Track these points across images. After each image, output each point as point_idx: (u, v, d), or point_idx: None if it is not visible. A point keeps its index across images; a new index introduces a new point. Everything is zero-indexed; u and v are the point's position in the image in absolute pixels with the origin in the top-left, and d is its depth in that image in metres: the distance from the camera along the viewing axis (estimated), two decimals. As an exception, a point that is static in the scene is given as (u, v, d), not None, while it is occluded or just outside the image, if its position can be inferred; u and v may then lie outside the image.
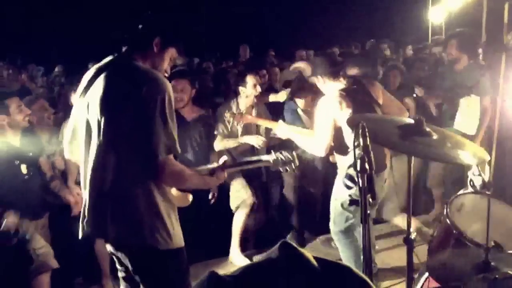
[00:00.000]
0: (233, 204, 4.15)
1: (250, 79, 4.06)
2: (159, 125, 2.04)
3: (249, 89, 4.04)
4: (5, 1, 11.29)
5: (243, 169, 3.37)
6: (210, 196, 4.05)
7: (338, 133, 3.06)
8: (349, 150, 3.02)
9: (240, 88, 4.08)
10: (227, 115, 3.96)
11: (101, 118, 2.09)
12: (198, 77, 5.00)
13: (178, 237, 2.23)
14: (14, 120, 3.31)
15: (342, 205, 3.18)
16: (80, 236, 2.26)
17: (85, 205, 2.21)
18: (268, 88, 5.31)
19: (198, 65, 7.70)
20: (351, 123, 2.26)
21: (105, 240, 2.29)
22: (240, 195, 4.11)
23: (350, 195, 2.92)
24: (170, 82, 2.20)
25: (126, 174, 2.09)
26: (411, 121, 2.26)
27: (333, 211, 3.29)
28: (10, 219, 3.07)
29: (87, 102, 2.17)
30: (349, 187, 2.90)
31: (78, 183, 3.68)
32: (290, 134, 3.32)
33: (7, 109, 3.28)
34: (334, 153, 3.26)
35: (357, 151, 1.71)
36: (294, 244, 1.03)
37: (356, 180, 1.70)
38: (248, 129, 4.17)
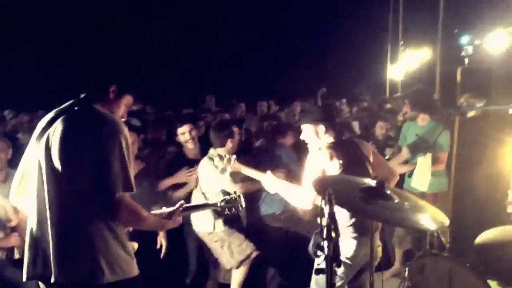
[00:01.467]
0: (235, 260, 3.90)
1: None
2: (117, 164, 2.13)
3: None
4: None
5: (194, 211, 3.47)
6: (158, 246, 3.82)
7: None
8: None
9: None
10: (216, 160, 3.70)
11: (60, 157, 2.13)
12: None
13: (132, 266, 2.29)
14: None
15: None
16: (24, 279, 2.23)
17: (31, 247, 2.21)
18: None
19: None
20: (317, 187, 2.28)
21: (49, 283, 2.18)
22: (245, 250, 3.89)
23: (317, 264, 2.83)
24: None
25: (83, 213, 2.13)
26: (373, 183, 2.31)
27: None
28: None
29: (44, 144, 2.20)
30: (317, 255, 2.81)
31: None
32: (276, 186, 3.20)
33: None
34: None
35: (324, 219, 1.72)
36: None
37: (323, 248, 1.70)
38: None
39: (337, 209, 2.98)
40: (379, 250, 3.09)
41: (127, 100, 2.41)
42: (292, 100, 8.07)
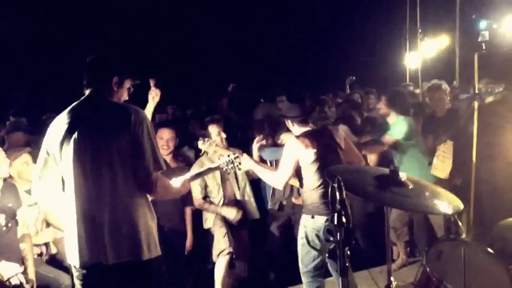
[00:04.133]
0: (214, 254, 4.19)
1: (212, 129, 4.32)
2: (148, 148, 2.35)
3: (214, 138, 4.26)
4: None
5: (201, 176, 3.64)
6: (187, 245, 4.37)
7: (300, 171, 3.31)
8: (317, 186, 3.22)
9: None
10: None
11: (98, 152, 2.32)
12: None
13: (158, 247, 2.49)
14: None
15: (308, 243, 3.26)
16: (79, 266, 2.37)
17: (81, 236, 2.34)
18: None
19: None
20: (329, 175, 2.32)
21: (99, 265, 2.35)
22: (219, 245, 4.16)
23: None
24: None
25: (128, 197, 2.35)
26: (386, 171, 2.34)
27: (300, 250, 3.36)
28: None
29: (77, 139, 2.34)
30: (328, 241, 2.92)
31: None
32: (252, 165, 3.49)
33: None
34: (300, 191, 3.47)
35: (335, 205, 1.75)
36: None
37: (334, 233, 1.74)
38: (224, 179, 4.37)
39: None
40: None
41: (128, 83, 2.58)
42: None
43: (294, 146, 3.26)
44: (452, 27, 8.36)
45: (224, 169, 3.27)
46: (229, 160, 3.26)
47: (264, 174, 3.47)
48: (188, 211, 4.44)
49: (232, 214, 4.26)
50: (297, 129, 3.43)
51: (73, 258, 2.40)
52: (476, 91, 4.27)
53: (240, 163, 3.34)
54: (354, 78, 8.00)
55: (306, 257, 3.32)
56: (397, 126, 4.47)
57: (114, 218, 2.32)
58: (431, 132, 4.86)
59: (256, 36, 14.72)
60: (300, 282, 4.09)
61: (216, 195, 4.33)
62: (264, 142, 4.06)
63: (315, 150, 3.20)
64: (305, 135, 3.30)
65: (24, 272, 3.12)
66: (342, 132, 3.62)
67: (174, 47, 14.10)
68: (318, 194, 3.21)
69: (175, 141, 4.44)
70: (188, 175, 2.84)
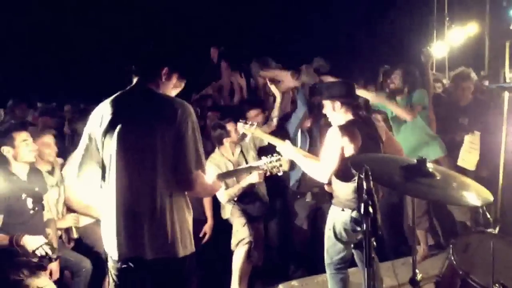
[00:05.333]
0: (232, 243, 4.19)
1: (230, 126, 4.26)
2: (191, 145, 2.30)
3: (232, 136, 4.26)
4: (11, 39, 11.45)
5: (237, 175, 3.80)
6: (201, 234, 4.37)
7: (343, 162, 3.07)
8: (353, 179, 3.05)
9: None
10: (240, 125, 3.96)
11: (142, 144, 2.28)
12: None
13: (192, 244, 2.46)
14: (19, 153, 3.33)
15: (335, 235, 3.20)
16: (116, 258, 2.36)
17: (120, 229, 2.32)
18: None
19: None
20: (354, 164, 2.28)
21: (137, 260, 2.35)
22: (239, 235, 4.15)
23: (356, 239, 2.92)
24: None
25: (167, 192, 2.30)
26: (413, 161, 2.28)
27: (327, 241, 3.29)
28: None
29: (120, 130, 2.31)
30: (355, 231, 2.90)
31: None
32: (294, 156, 3.29)
33: (12, 141, 3.31)
34: (333, 181, 3.24)
35: (362, 195, 1.72)
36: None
37: (361, 223, 1.71)
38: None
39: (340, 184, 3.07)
40: None
41: (175, 80, 2.49)
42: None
43: (338, 135, 3.04)
44: (481, 14, 8.12)
45: (263, 170, 3.14)
46: (269, 161, 3.11)
47: (308, 165, 3.25)
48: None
49: (255, 178, 4.10)
50: (340, 115, 3.19)
51: (110, 250, 2.39)
52: (507, 81, 4.15)
53: (281, 165, 3.15)
54: (388, 67, 7.86)
55: (331, 249, 3.27)
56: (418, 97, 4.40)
57: (153, 213, 2.29)
58: (453, 121, 4.76)
59: (290, 25, 14.48)
60: (319, 272, 4.11)
61: (232, 187, 4.29)
62: None
63: (359, 142, 3.01)
64: (350, 124, 3.11)
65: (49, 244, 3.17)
66: (382, 123, 3.41)
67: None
68: (353, 187, 3.07)
69: None
70: (219, 173, 2.83)
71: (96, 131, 2.39)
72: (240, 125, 3.92)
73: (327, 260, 3.33)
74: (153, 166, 2.27)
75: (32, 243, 3.08)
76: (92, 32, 12.57)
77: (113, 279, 2.44)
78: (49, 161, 3.81)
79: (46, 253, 3.06)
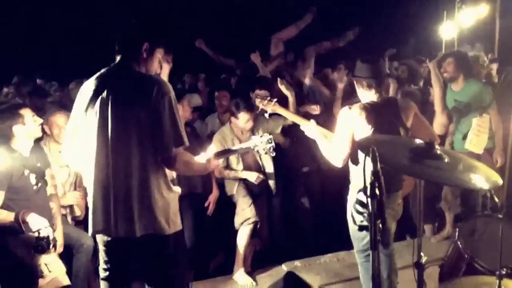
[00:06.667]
0: (237, 222, 4.17)
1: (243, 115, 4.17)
2: (169, 122, 2.30)
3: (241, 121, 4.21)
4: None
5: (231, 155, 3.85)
6: (206, 204, 4.34)
7: (354, 146, 2.94)
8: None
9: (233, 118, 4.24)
10: (258, 101, 3.80)
11: (121, 119, 2.30)
12: None
13: (179, 221, 2.53)
14: (29, 130, 3.33)
15: (354, 222, 3.08)
16: (90, 233, 2.48)
17: (96, 205, 2.39)
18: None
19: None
20: (361, 146, 2.24)
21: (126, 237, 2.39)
22: (244, 214, 4.13)
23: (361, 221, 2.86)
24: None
25: (144, 170, 2.32)
26: (422, 143, 2.24)
27: (350, 230, 3.13)
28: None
29: (100, 108, 2.33)
30: (359, 212, 2.82)
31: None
32: (316, 136, 3.18)
33: (22, 119, 3.30)
34: (350, 165, 3.08)
35: (368, 176, 1.68)
36: (299, 275, 1.01)
37: (366, 205, 1.68)
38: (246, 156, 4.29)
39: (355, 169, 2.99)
40: (398, 209, 3.14)
41: (159, 53, 2.49)
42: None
43: (348, 117, 2.92)
44: (492, -4, 7.96)
45: (256, 150, 3.06)
46: (262, 142, 3.04)
47: (327, 149, 3.11)
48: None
49: (253, 176, 4.20)
50: (362, 94, 3.07)
51: (92, 224, 2.45)
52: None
53: (273, 147, 3.03)
54: (394, 50, 7.74)
55: (356, 235, 3.09)
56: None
57: (132, 191, 2.32)
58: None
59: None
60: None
61: (236, 166, 4.29)
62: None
63: (372, 126, 2.87)
64: (365, 106, 2.96)
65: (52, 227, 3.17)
66: (413, 105, 3.18)
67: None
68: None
69: (189, 113, 4.33)
70: (214, 152, 2.75)
71: (79, 109, 2.43)
72: (257, 100, 3.76)
73: (355, 248, 3.18)
74: (131, 144, 2.29)
75: (37, 222, 3.07)
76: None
77: (101, 253, 2.53)
78: (59, 141, 3.78)
79: (48, 235, 3.06)
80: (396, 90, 4.90)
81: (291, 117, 3.62)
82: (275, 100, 3.69)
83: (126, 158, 2.30)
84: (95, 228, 2.42)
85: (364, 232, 3.01)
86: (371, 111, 2.89)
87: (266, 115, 3.77)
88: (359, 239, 3.07)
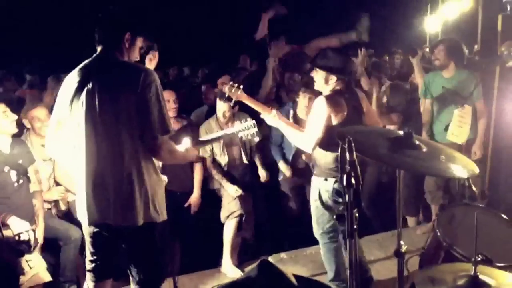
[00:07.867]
0: (223, 216, 4.19)
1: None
2: (155, 111, 2.31)
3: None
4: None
5: (213, 142, 3.73)
6: (186, 205, 4.31)
7: (327, 131, 3.06)
8: (334, 149, 3.01)
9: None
10: (225, 87, 3.62)
11: (107, 109, 2.30)
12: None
13: (164, 212, 2.52)
14: (1, 126, 3.29)
15: (323, 204, 3.19)
16: (87, 224, 2.46)
17: (90, 195, 2.39)
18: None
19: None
20: (340, 135, 2.26)
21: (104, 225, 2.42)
22: (230, 207, 4.15)
23: (337, 211, 2.91)
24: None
25: (136, 157, 2.35)
26: (400, 133, 2.26)
27: (315, 212, 3.30)
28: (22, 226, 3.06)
29: (85, 99, 2.34)
30: (337, 202, 2.90)
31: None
32: (279, 124, 3.25)
33: None
34: (314, 150, 3.20)
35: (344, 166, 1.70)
36: (274, 263, 1.03)
37: (343, 194, 1.70)
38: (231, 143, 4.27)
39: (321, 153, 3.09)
40: None
41: (140, 42, 2.52)
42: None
43: (324, 105, 3.04)
44: (475, -12, 8.03)
45: (239, 137, 3.09)
46: (245, 127, 3.07)
47: (293, 135, 3.25)
48: (197, 166, 4.35)
49: (232, 191, 4.16)
50: (330, 86, 3.17)
51: (81, 215, 2.47)
52: (498, 54, 4.12)
53: (257, 132, 3.10)
54: (367, 14, 7.69)
55: (321, 219, 3.28)
56: (479, 89, 4.31)
57: (120, 180, 2.33)
58: None
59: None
60: (311, 243, 4.12)
61: (220, 158, 4.28)
62: None
63: (345, 112, 3.03)
64: (336, 94, 3.10)
65: (34, 229, 3.16)
66: (363, 94, 3.41)
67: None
68: (334, 156, 3.07)
69: (176, 104, 4.30)
70: (193, 141, 2.78)
71: (64, 101, 2.42)
72: (225, 88, 3.62)
73: (318, 230, 3.34)
74: (118, 133, 2.31)
75: (18, 225, 3.05)
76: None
77: (87, 244, 2.54)
78: (41, 135, 3.74)
79: (29, 239, 3.04)
80: (378, 85, 4.95)
81: (253, 105, 3.50)
82: (241, 86, 3.53)
83: (117, 146, 2.32)
84: (92, 219, 2.42)
85: (328, 215, 3.17)
86: (343, 99, 3.07)
87: (231, 102, 3.69)
88: (323, 222, 3.26)
